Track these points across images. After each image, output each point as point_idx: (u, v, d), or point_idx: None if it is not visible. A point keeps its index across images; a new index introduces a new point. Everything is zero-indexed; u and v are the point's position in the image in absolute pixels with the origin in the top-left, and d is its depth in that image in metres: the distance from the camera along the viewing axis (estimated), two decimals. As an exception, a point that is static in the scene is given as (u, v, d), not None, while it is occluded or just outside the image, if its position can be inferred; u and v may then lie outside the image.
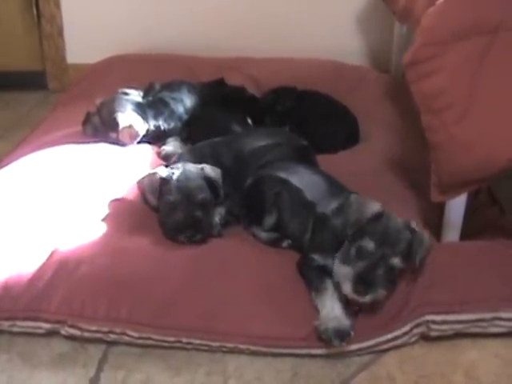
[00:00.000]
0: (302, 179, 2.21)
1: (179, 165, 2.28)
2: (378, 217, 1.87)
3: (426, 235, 1.95)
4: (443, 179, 2.12)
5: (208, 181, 2.25)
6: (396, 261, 1.86)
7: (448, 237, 2.26)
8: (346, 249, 1.89)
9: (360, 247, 1.85)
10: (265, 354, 1.92)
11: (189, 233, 2.16)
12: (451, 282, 2.04)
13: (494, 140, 2.02)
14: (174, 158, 2.49)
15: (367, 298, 1.85)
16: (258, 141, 2.50)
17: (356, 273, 1.83)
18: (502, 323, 1.98)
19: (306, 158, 2.51)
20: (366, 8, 3.81)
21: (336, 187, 2.18)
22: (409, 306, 1.96)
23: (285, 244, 2.21)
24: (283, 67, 3.56)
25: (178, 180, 2.21)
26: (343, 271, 1.86)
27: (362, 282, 1.83)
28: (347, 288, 1.84)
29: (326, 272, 1.96)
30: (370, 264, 1.83)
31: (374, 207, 1.90)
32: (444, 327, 1.97)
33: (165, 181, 2.22)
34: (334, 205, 2.07)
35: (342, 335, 1.85)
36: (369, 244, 1.84)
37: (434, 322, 1.96)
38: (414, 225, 1.93)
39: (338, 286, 1.90)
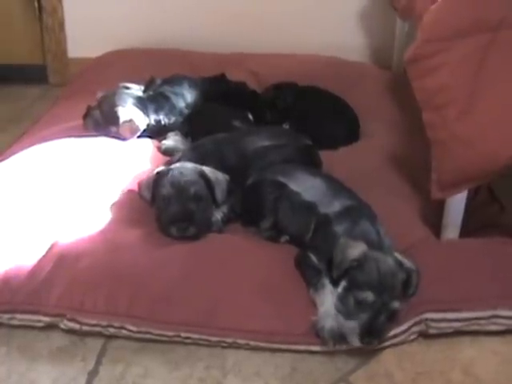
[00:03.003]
0: (301, 183, 2.21)
1: (178, 164, 2.28)
2: (363, 261, 1.84)
3: (414, 266, 1.91)
4: (443, 176, 2.11)
5: (205, 178, 2.23)
6: (396, 304, 1.85)
7: (448, 234, 2.25)
8: (343, 299, 1.86)
9: (359, 300, 1.82)
10: (264, 349, 1.92)
11: (181, 225, 2.15)
12: (450, 280, 2.04)
13: (495, 137, 2.01)
14: (176, 156, 2.48)
15: (375, 343, 1.86)
16: (262, 140, 2.50)
17: (361, 326, 1.82)
18: (501, 321, 1.98)
19: (309, 158, 2.52)
20: (368, 4, 3.81)
21: (337, 188, 2.18)
22: (407, 304, 1.96)
23: (283, 239, 2.22)
24: (284, 63, 3.56)
25: (171, 175, 2.20)
26: (348, 326, 1.84)
27: (368, 333, 1.83)
28: (355, 341, 1.84)
29: (321, 270, 1.97)
30: (372, 315, 1.82)
31: (355, 251, 1.86)
32: (442, 325, 1.96)
33: (159, 176, 2.22)
34: (336, 207, 2.07)
35: (338, 337, 1.85)
36: (368, 295, 1.82)
37: (432, 320, 1.96)
38: (404, 261, 1.89)
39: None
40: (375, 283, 1.82)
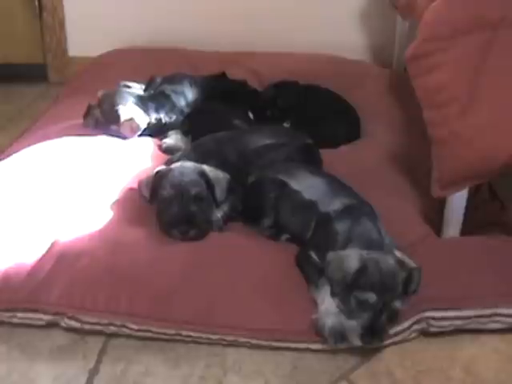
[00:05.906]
0: (301, 181, 2.21)
1: (178, 163, 2.27)
2: (363, 269, 1.83)
3: (416, 265, 1.90)
4: (444, 174, 2.12)
5: (205, 178, 2.23)
6: (397, 304, 1.85)
7: (448, 232, 2.25)
8: (345, 299, 1.85)
9: (361, 300, 1.82)
10: (264, 348, 1.92)
11: (183, 228, 2.15)
12: (451, 278, 2.04)
13: (495, 135, 2.02)
14: (177, 155, 2.48)
15: (375, 343, 1.86)
16: (263, 139, 2.50)
17: (362, 325, 1.82)
18: (502, 319, 1.98)
19: (310, 156, 2.51)
20: (369, 3, 3.81)
21: (337, 187, 2.18)
22: (408, 303, 1.95)
23: (283, 238, 2.22)
24: (285, 62, 3.56)
25: (172, 175, 2.19)
26: (349, 325, 1.84)
27: (369, 332, 1.82)
28: (356, 341, 1.83)
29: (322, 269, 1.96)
30: (374, 315, 1.82)
31: (353, 261, 1.84)
32: (443, 323, 1.96)
33: (160, 176, 2.22)
34: (337, 205, 2.07)
35: (339, 335, 1.85)
36: (370, 296, 1.81)
37: (433, 319, 1.96)
38: (405, 259, 1.89)
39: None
40: (377, 284, 1.82)
